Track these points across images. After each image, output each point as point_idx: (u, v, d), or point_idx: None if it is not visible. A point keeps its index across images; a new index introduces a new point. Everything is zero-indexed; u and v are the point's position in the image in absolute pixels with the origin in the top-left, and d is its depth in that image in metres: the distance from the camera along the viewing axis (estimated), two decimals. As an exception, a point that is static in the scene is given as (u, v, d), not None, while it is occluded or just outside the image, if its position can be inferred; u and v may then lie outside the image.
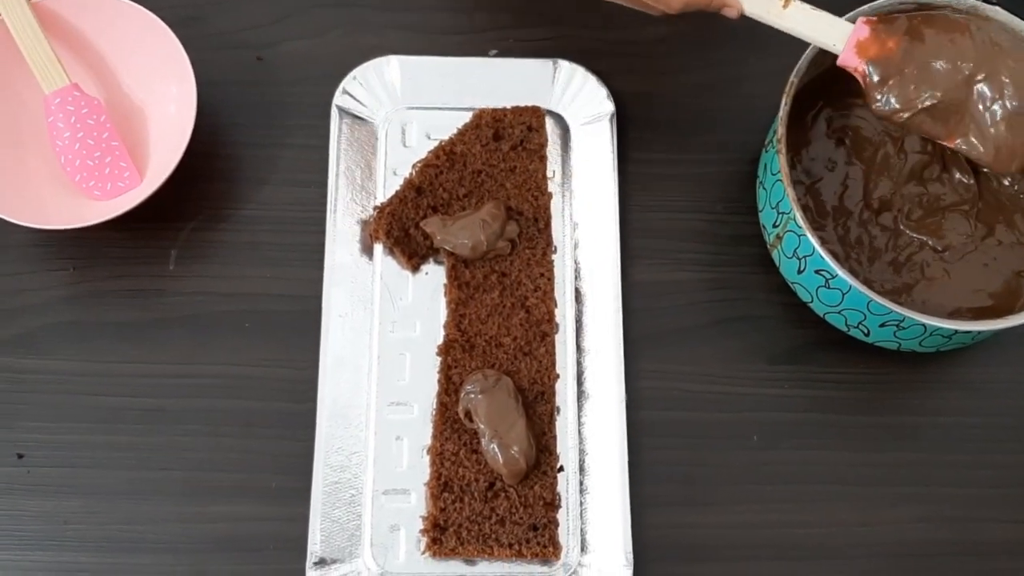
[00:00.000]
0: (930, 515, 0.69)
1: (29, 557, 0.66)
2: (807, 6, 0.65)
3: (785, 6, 0.65)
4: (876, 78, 0.65)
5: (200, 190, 0.74)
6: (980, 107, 0.64)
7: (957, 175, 0.72)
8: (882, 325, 0.65)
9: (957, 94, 0.64)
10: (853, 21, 0.66)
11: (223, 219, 0.74)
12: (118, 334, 0.71)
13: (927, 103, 0.64)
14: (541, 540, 0.66)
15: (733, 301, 0.73)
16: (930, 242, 0.71)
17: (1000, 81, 0.64)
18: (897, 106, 0.65)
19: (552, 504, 0.67)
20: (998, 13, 0.66)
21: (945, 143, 0.66)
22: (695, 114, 0.78)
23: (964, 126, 0.65)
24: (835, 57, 0.66)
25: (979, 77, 0.64)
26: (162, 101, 0.74)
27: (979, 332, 0.65)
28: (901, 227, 0.71)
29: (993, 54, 0.64)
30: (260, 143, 0.76)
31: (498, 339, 0.70)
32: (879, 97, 0.65)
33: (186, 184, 0.72)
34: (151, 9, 0.72)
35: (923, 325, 0.63)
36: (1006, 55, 0.64)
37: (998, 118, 0.64)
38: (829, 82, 0.73)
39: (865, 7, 0.67)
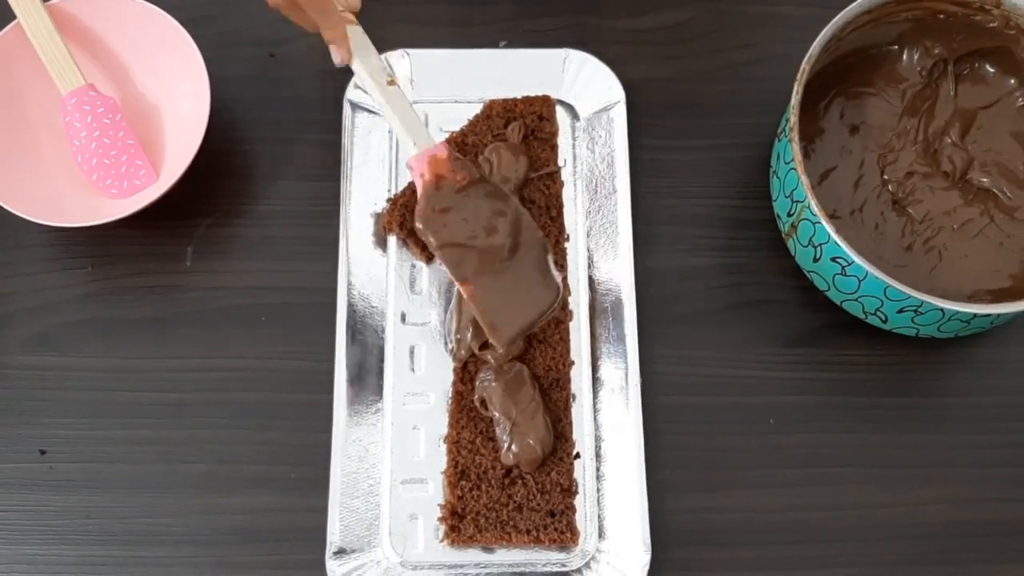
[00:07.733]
0: (950, 496, 0.69)
1: (53, 551, 0.67)
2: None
3: (390, 83, 0.67)
4: (426, 197, 0.67)
5: (215, 186, 0.75)
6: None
7: (973, 158, 0.72)
8: (900, 311, 0.65)
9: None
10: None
11: (238, 214, 0.75)
12: (136, 330, 0.72)
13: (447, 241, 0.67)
14: (559, 526, 0.66)
15: (747, 286, 0.73)
16: (944, 223, 0.70)
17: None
18: (426, 232, 0.67)
19: (569, 491, 0.67)
20: None
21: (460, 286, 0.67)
22: (705, 100, 0.77)
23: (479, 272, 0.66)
24: (848, 44, 0.65)
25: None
26: (176, 99, 0.75)
27: (998, 315, 0.65)
28: (916, 212, 0.71)
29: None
30: (273, 139, 0.76)
31: (512, 327, 0.71)
32: (419, 214, 0.67)
33: (201, 181, 0.73)
34: (164, 8, 0.72)
35: (941, 310, 0.63)
36: None
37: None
38: (841, 71, 0.73)
39: (855, 5, 0.67)
